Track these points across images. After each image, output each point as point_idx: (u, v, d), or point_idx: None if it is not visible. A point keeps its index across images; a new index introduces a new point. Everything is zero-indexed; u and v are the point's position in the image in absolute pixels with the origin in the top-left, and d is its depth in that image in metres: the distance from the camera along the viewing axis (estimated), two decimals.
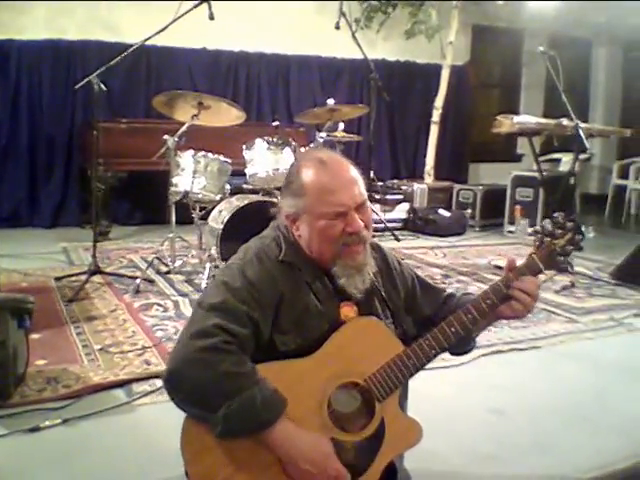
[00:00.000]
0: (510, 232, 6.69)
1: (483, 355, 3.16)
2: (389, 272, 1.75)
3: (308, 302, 1.56)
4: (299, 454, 1.43)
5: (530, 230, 1.58)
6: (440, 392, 2.75)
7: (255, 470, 1.45)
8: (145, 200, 6.37)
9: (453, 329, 1.57)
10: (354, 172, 1.60)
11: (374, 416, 1.53)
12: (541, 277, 1.64)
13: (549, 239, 1.63)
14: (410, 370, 1.56)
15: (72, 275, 4.24)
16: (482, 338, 3.29)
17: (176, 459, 1.47)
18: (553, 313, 3.92)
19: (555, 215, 1.64)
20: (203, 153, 4.30)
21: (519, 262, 1.64)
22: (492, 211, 6.98)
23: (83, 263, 4.63)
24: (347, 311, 1.61)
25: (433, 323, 1.62)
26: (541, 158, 5.88)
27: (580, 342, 3.47)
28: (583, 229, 1.63)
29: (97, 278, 4.19)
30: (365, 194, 1.60)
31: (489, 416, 2.57)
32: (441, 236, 6.38)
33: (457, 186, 7.36)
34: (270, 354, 1.51)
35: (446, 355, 3.02)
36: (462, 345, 1.75)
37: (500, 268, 4.96)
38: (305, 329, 1.54)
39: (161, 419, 2.35)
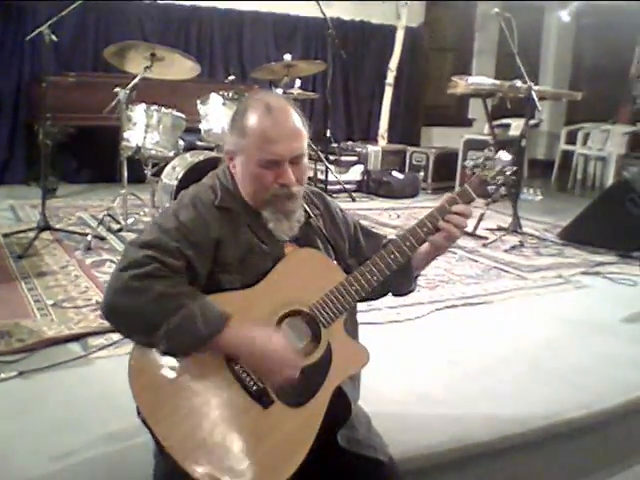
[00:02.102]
0: None
1: (437, 310, 3.23)
2: (332, 218, 1.78)
3: (251, 242, 1.58)
4: (255, 351, 1.47)
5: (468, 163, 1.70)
6: (395, 344, 2.81)
7: (204, 392, 1.46)
8: (94, 157, 6.15)
9: (392, 256, 1.61)
10: (298, 123, 1.58)
11: (320, 342, 1.57)
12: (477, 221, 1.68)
13: (480, 170, 1.73)
14: (353, 296, 1.59)
15: (20, 232, 4.12)
16: (435, 294, 3.43)
17: (133, 409, 1.47)
18: (503, 270, 4.02)
19: (485, 150, 1.77)
20: (156, 107, 4.20)
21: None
22: (444, 174, 7.05)
23: (31, 220, 4.50)
24: (291, 251, 1.64)
25: None
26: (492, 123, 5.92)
27: (529, 297, 3.58)
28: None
29: (46, 235, 4.09)
30: (304, 149, 1.59)
31: (442, 365, 2.64)
32: (394, 198, 6.43)
33: (410, 149, 7.39)
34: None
35: (401, 310, 3.12)
36: (403, 284, 1.79)
37: None
38: (250, 268, 1.57)
39: (118, 371, 2.28)
